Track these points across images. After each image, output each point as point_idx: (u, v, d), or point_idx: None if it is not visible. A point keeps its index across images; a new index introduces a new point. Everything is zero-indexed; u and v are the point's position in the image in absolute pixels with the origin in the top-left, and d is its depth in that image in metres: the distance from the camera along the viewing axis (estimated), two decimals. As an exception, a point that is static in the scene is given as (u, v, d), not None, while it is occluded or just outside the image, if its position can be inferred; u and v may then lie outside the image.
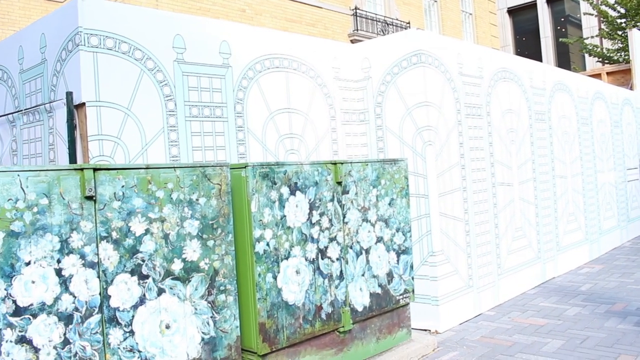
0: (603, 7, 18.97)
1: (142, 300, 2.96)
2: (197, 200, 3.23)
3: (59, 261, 2.69)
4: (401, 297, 4.54)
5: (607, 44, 20.61)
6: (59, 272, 2.69)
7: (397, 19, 19.80)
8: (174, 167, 3.16)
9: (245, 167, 3.47)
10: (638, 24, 17.69)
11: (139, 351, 2.94)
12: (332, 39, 16.24)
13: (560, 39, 22.73)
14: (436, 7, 22.87)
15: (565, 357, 4.42)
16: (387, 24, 19.26)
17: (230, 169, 3.47)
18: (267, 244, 3.53)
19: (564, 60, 28.70)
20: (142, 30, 4.05)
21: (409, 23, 20.03)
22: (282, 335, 3.60)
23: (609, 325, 5.11)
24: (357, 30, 18.18)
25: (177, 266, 3.12)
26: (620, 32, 18.53)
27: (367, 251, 4.27)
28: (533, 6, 30.23)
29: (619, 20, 18.71)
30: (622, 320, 5.26)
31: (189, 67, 4.31)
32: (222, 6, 14.43)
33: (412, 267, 4.65)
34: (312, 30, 16.41)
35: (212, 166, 3.33)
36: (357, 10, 18.35)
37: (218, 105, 4.47)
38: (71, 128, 3.83)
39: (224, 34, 4.56)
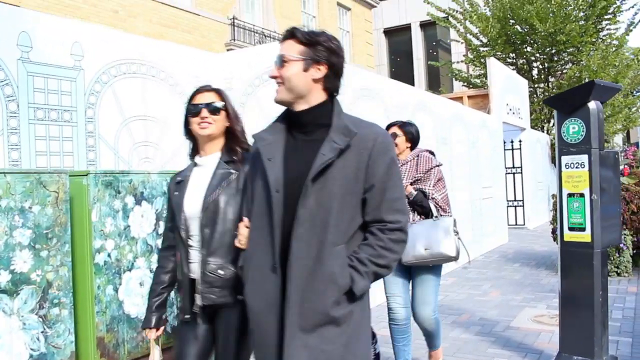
0: (468, 36, 20.26)
1: (-42, 315, 2.74)
2: (30, 208, 3.04)
3: None
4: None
5: (472, 69, 22.02)
6: None
7: (275, 32, 19.97)
8: (4, 173, 2.96)
9: (86, 175, 3.33)
10: (498, 53, 19.04)
11: (-47, 370, 2.71)
12: (209, 47, 16.05)
13: (430, 62, 23.99)
14: (315, 22, 23.35)
15: (408, 365, 4.62)
16: (265, 36, 19.37)
17: (70, 176, 3.31)
18: (109, 255, 3.40)
19: (434, 81, 30.34)
20: (-20, 24, 3.79)
21: (287, 36, 20.23)
22: (122, 350, 3.47)
23: (453, 335, 5.41)
24: (235, 40, 18.11)
25: (3, 278, 2.92)
26: (482, 60, 19.85)
27: (220, 263, 4.23)
28: (407, 29, 31.74)
29: (481, 49, 20.03)
30: (465, 330, 5.60)
31: (36, 67, 4.08)
32: (93, 5, 13.81)
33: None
34: (188, 37, 16.14)
35: (49, 173, 3.16)
36: (235, 20, 18.30)
37: (67, 109, 4.26)
38: None
39: (76, 35, 4.37)
